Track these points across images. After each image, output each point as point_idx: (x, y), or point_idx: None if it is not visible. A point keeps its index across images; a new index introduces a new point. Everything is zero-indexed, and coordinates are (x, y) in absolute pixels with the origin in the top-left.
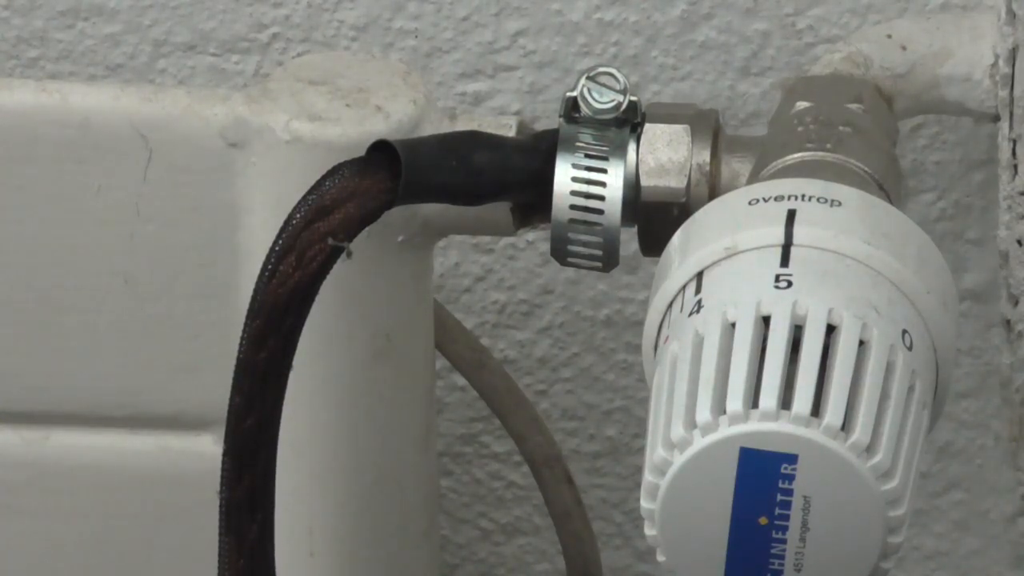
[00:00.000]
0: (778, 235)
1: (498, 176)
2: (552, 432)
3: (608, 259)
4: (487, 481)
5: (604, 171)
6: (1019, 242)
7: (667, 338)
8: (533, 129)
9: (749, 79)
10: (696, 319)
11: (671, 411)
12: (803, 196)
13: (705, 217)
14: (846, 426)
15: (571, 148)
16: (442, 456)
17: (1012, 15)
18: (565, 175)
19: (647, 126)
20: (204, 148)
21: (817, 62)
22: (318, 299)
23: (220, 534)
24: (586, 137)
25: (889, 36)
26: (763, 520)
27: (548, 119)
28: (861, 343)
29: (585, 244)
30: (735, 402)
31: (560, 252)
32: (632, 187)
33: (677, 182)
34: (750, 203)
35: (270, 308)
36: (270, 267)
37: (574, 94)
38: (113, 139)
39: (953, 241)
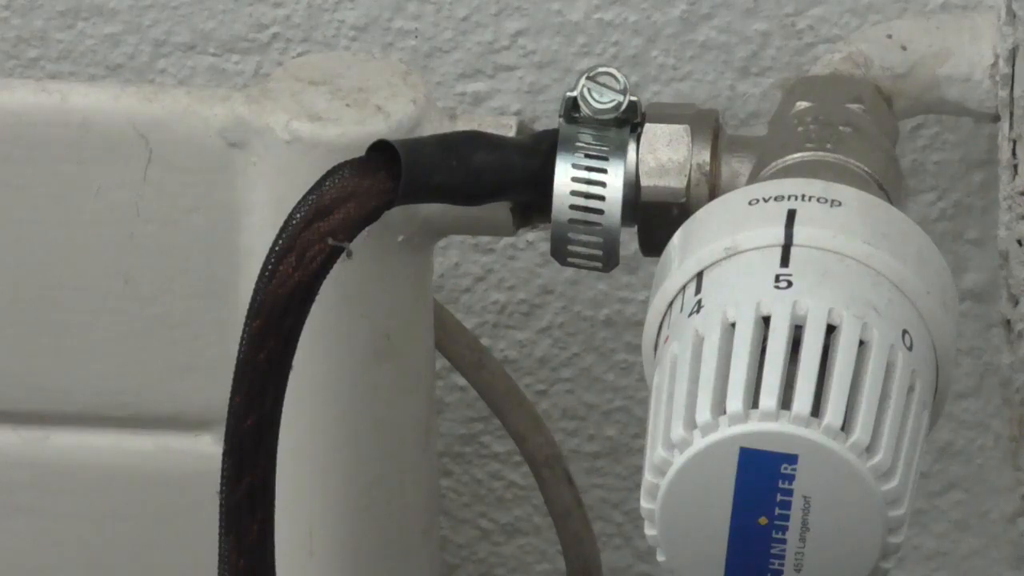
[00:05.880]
0: (778, 235)
1: (498, 176)
2: (552, 432)
3: (608, 259)
4: (487, 481)
5: (604, 171)
6: (1019, 242)
7: (667, 338)
8: (533, 129)
9: (749, 79)
10: (696, 319)
11: (671, 411)
12: (803, 196)
13: (705, 217)
14: (846, 426)
15: (571, 148)
16: (442, 456)
17: (1012, 15)
18: (565, 175)
19: (647, 126)
20: (204, 148)
21: (817, 62)
22: (318, 299)
23: (220, 534)
24: (586, 137)
25: (889, 36)
26: (763, 520)
27: (548, 119)
28: (861, 343)
29: (585, 244)
30: (735, 402)
31: (560, 252)
32: (632, 187)
33: (677, 182)
34: (750, 203)
35: (270, 308)
36: (270, 267)
37: (574, 94)
38: (113, 139)
39: (953, 241)
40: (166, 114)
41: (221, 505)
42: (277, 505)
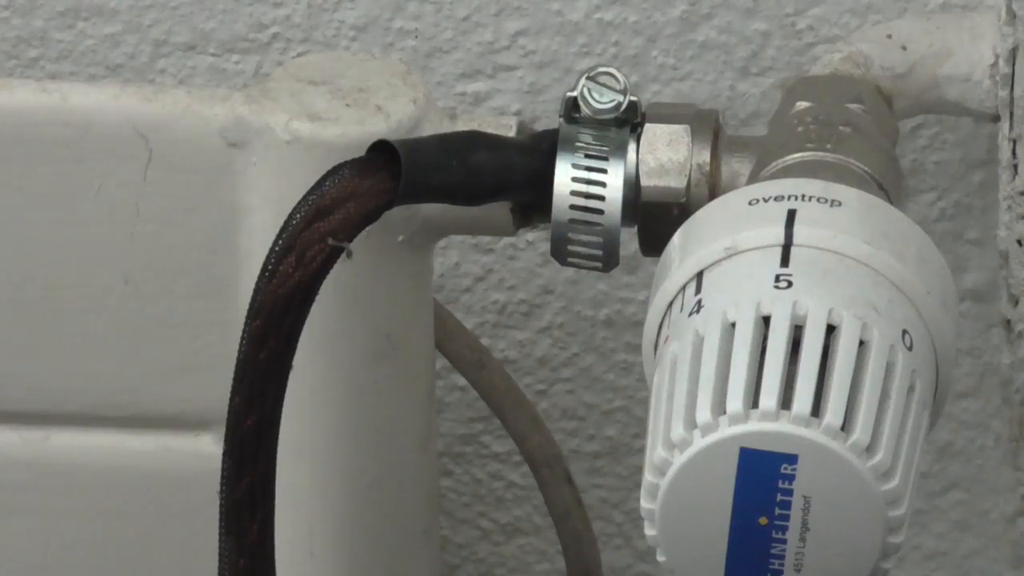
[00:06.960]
0: (778, 235)
1: (498, 176)
2: (552, 432)
3: (608, 259)
4: (487, 481)
5: (604, 171)
6: (1019, 242)
7: (667, 338)
8: (533, 129)
9: (749, 79)
10: (696, 319)
11: (671, 411)
12: (803, 196)
13: (705, 217)
14: (846, 426)
15: (571, 148)
16: (442, 456)
17: (1012, 15)
18: (565, 175)
19: (647, 126)
20: (204, 148)
21: (817, 62)
22: (318, 299)
23: (220, 534)
24: (586, 137)
25: (889, 36)
26: (763, 520)
27: (548, 119)
28: (861, 343)
29: (585, 244)
30: (735, 402)
31: (560, 252)
32: (632, 187)
33: (677, 182)
34: (750, 203)
35: (270, 308)
36: (270, 267)
37: (574, 94)
38: (113, 139)
39: (953, 241)
40: (166, 114)
41: (221, 505)
42: (277, 505)
